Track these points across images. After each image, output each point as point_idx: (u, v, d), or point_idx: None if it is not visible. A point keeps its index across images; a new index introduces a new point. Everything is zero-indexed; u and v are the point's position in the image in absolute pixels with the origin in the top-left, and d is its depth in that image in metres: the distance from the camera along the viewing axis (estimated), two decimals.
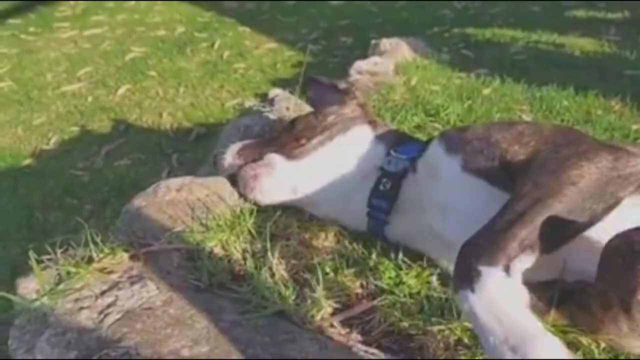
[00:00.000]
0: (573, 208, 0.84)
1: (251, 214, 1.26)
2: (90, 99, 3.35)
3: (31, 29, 4.65)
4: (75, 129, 3.06)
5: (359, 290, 1.09)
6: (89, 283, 1.00)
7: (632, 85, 2.30)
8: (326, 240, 1.22)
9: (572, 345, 0.87)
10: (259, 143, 1.35)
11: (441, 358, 0.92)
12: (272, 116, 1.83)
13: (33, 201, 2.44)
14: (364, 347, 0.94)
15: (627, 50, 2.86)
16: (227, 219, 1.24)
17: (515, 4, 4.11)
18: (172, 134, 2.90)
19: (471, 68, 2.62)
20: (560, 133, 0.99)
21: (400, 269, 1.12)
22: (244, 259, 1.15)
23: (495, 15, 3.93)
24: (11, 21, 4.92)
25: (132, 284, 1.00)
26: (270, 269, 1.10)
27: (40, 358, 0.87)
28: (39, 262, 1.02)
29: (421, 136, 1.79)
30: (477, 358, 0.91)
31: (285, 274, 1.11)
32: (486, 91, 2.24)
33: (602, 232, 0.83)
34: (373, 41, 3.10)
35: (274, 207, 1.28)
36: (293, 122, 1.36)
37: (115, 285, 1.00)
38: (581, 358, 0.88)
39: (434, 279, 1.09)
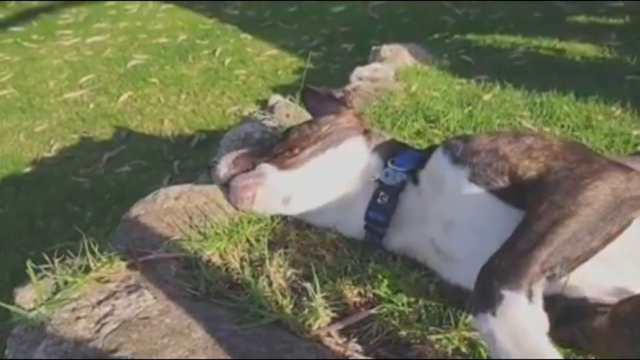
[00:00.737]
0: (590, 229, 0.84)
1: (249, 222, 1.26)
2: (92, 106, 3.37)
3: (34, 37, 4.68)
4: (77, 136, 3.08)
5: (357, 299, 1.08)
6: (86, 292, 1.00)
7: (633, 91, 2.29)
8: (324, 249, 1.21)
9: None
10: (254, 153, 1.34)
11: None
12: (272, 123, 1.83)
13: (34, 208, 2.45)
14: (361, 357, 0.94)
15: (628, 55, 2.86)
16: (225, 227, 1.23)
17: (516, 9, 4.11)
18: (174, 140, 2.92)
19: (471, 74, 2.62)
20: (569, 148, 0.99)
21: (399, 277, 1.11)
22: (242, 267, 1.15)
23: (495, 21, 3.94)
24: (14, 29, 4.95)
25: (129, 293, 1.00)
26: (268, 277, 1.10)
27: None
28: (36, 271, 1.02)
29: (421, 142, 1.79)
30: None
31: (283, 283, 1.11)
32: (486, 97, 2.23)
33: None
34: (374, 47, 3.10)
35: (272, 216, 1.28)
36: (288, 131, 1.36)
37: (112, 295, 1.00)
38: None
39: (432, 287, 1.08)
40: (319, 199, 1.23)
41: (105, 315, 0.95)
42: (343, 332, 1.00)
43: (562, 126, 1.98)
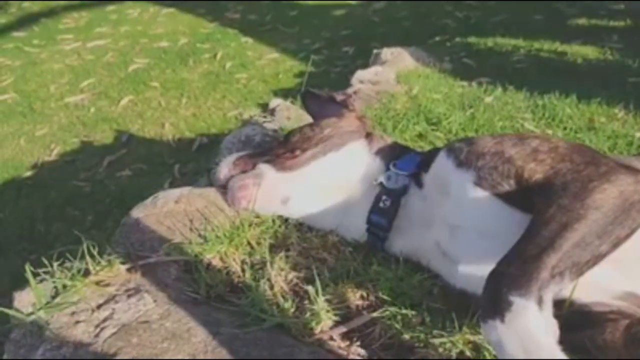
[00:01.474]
0: (599, 233, 0.82)
1: (250, 225, 1.25)
2: (92, 110, 3.37)
3: (35, 41, 4.69)
4: (78, 140, 3.07)
5: (359, 302, 1.07)
6: (86, 296, 0.99)
7: (635, 93, 2.28)
8: (326, 252, 1.20)
9: None
10: (254, 154, 1.34)
11: None
12: (272, 126, 1.82)
13: (35, 212, 2.44)
14: None
15: (630, 57, 2.85)
16: (226, 230, 1.22)
17: (517, 12, 4.12)
18: (174, 144, 2.91)
19: (473, 77, 2.61)
20: (576, 150, 0.97)
21: (401, 280, 1.10)
22: (243, 270, 1.14)
23: (497, 24, 3.94)
24: (15, 34, 4.96)
25: (128, 297, 0.99)
26: (269, 280, 1.09)
27: None
28: (35, 274, 1.01)
29: (423, 145, 1.78)
30: None
31: (284, 286, 1.10)
32: (488, 100, 2.23)
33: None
34: (375, 50, 3.11)
35: (273, 218, 1.27)
36: (289, 133, 1.35)
37: (111, 299, 0.99)
38: None
39: (435, 290, 1.07)
40: (320, 201, 1.23)
41: (105, 319, 0.93)
42: (345, 336, 0.98)
43: (565, 128, 1.98)
